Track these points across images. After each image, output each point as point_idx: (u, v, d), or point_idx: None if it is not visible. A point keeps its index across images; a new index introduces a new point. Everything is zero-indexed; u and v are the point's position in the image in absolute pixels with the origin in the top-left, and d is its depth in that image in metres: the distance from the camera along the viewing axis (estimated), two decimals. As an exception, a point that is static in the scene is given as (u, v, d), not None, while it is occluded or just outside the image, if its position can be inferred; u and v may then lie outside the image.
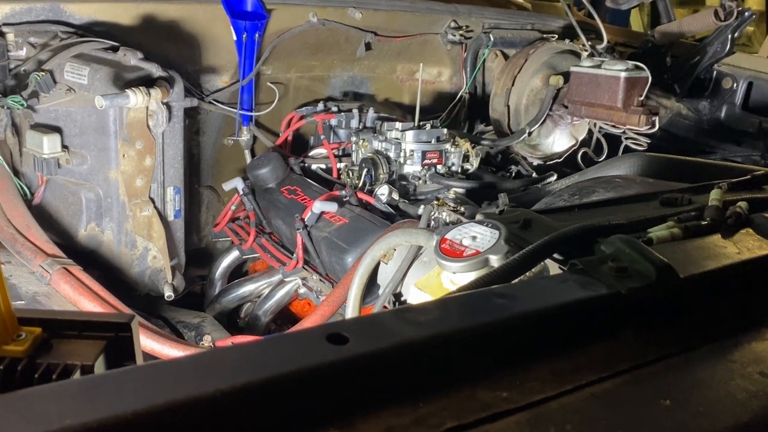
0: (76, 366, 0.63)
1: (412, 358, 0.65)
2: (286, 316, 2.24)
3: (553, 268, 0.90)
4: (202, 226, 2.51)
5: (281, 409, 0.55)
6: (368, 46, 2.53)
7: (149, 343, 1.43)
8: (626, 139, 2.52)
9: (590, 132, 2.76)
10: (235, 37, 2.20)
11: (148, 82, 1.76)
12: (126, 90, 1.64)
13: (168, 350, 1.44)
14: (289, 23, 2.32)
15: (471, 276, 0.88)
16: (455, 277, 0.89)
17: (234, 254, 2.33)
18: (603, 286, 0.78)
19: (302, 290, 2.03)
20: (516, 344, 0.72)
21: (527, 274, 0.87)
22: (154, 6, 2.06)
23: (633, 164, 1.87)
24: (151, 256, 1.89)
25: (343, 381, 0.59)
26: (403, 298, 0.97)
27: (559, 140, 2.69)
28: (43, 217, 1.79)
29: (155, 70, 1.76)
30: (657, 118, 2.33)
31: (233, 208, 2.30)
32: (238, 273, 2.49)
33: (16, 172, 1.80)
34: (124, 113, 1.71)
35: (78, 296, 1.44)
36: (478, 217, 0.96)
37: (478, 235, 0.89)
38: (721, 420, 0.67)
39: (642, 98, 2.31)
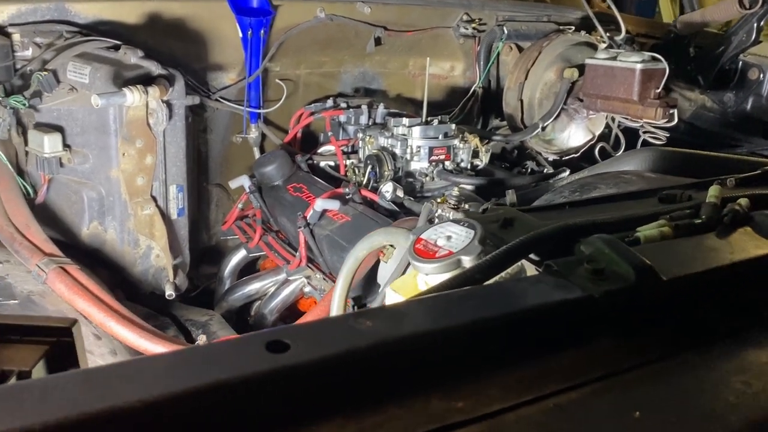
0: (12, 372, 0.61)
1: (359, 366, 0.61)
2: (295, 314, 2.22)
3: (531, 270, 0.86)
4: (211, 224, 2.51)
5: (207, 421, 0.53)
6: (378, 41, 2.50)
7: (133, 338, 1.42)
8: (644, 133, 2.45)
9: (609, 126, 2.70)
10: (240, 34, 2.19)
11: (148, 80, 1.75)
12: (123, 88, 1.63)
13: (152, 346, 1.43)
14: (297, 19, 2.31)
15: (445, 278, 0.84)
16: (429, 279, 0.85)
17: (243, 252, 2.32)
18: (577, 288, 0.74)
19: (307, 289, 2.01)
20: (478, 350, 0.68)
21: (503, 275, 0.83)
22: (160, 4, 2.06)
23: (645, 159, 1.81)
24: (154, 255, 1.89)
25: (279, 391, 0.57)
26: (363, 302, 0.94)
27: (575, 135, 2.62)
28: (47, 215, 1.80)
29: (154, 68, 1.76)
30: (675, 110, 2.26)
31: (241, 206, 2.30)
32: (251, 270, 2.48)
33: (22, 172, 1.81)
34: (124, 112, 1.71)
35: (73, 295, 1.44)
36: (457, 215, 0.92)
37: (453, 235, 0.86)
38: (695, 433, 0.62)
39: (659, 90, 2.24)
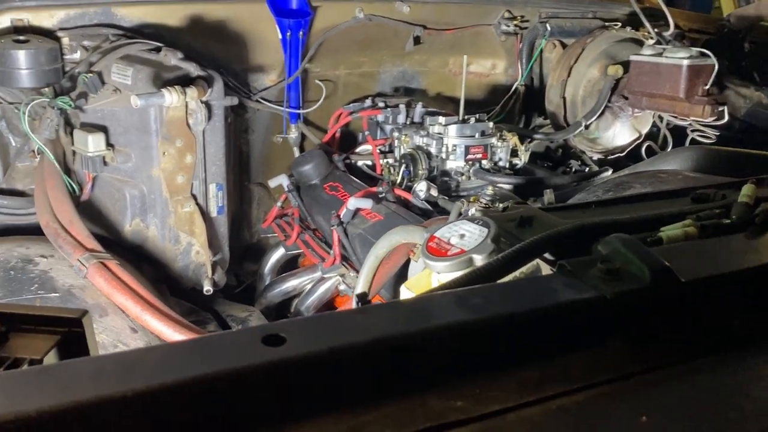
0: (24, 360, 0.63)
1: (356, 361, 0.61)
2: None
3: (546, 270, 0.85)
4: (253, 222, 2.55)
5: (201, 413, 0.53)
6: (417, 40, 2.49)
7: (168, 332, 1.46)
8: (692, 131, 2.37)
9: (657, 125, 2.62)
10: (280, 36, 2.22)
11: (187, 82, 1.79)
12: (161, 89, 1.68)
13: (174, 334, 1.45)
14: (335, 20, 2.32)
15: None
16: (442, 277, 0.85)
17: (282, 250, 2.36)
18: (589, 288, 0.72)
19: (342, 287, 2.02)
20: (481, 349, 0.67)
21: (516, 274, 0.82)
22: (201, 7, 2.11)
23: (687, 158, 1.74)
24: (194, 251, 1.94)
25: (274, 385, 0.57)
26: (368, 299, 0.94)
27: (620, 133, 2.56)
28: (92, 212, 1.87)
29: (193, 69, 1.80)
30: (725, 108, 2.18)
31: (280, 204, 2.33)
32: (291, 267, 2.51)
33: (69, 170, 1.88)
34: (164, 112, 1.75)
35: (111, 290, 1.48)
36: (474, 213, 0.91)
37: (467, 233, 0.85)
38: (705, 441, 0.60)
39: (707, 87, 2.16)
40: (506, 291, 0.74)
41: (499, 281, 0.77)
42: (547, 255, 0.83)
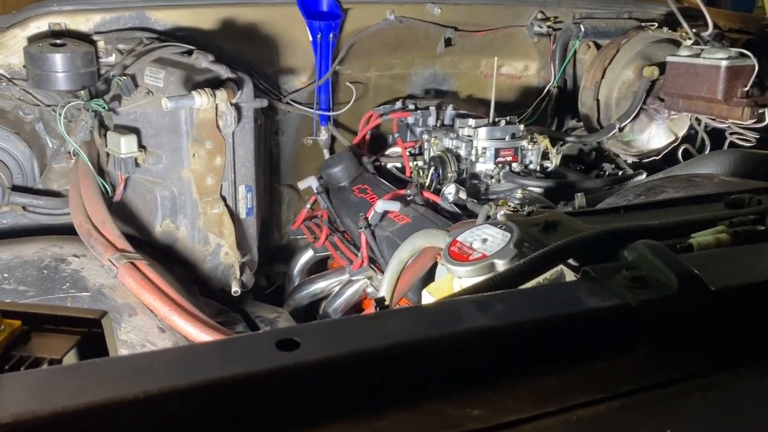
0: (44, 359, 0.64)
1: (371, 367, 0.60)
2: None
3: (570, 276, 0.83)
4: (283, 223, 2.57)
5: (211, 416, 0.53)
6: (448, 42, 2.47)
7: (195, 332, 1.47)
8: (731, 134, 2.31)
9: (695, 127, 2.56)
10: (311, 38, 2.23)
11: (218, 84, 1.81)
12: (191, 92, 1.70)
13: (201, 335, 1.46)
14: (366, 22, 2.32)
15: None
16: (464, 282, 0.83)
17: (311, 252, 2.36)
18: (613, 296, 0.70)
19: (370, 290, 2.02)
20: (500, 357, 0.66)
21: (540, 280, 0.80)
22: (233, 10, 2.13)
23: (724, 161, 1.70)
24: (223, 252, 1.95)
25: (288, 389, 0.57)
26: (386, 303, 0.93)
27: (655, 136, 2.50)
28: (124, 213, 1.90)
29: (224, 72, 1.81)
30: (765, 110, 2.11)
31: (310, 206, 2.34)
32: (321, 269, 2.52)
33: (103, 171, 1.92)
34: (194, 114, 1.77)
35: (140, 290, 1.50)
36: (499, 217, 0.89)
37: (489, 238, 0.83)
38: (732, 457, 0.58)
39: (747, 89, 2.10)
40: (528, 297, 0.72)
41: (521, 287, 0.76)
42: (571, 261, 0.81)
